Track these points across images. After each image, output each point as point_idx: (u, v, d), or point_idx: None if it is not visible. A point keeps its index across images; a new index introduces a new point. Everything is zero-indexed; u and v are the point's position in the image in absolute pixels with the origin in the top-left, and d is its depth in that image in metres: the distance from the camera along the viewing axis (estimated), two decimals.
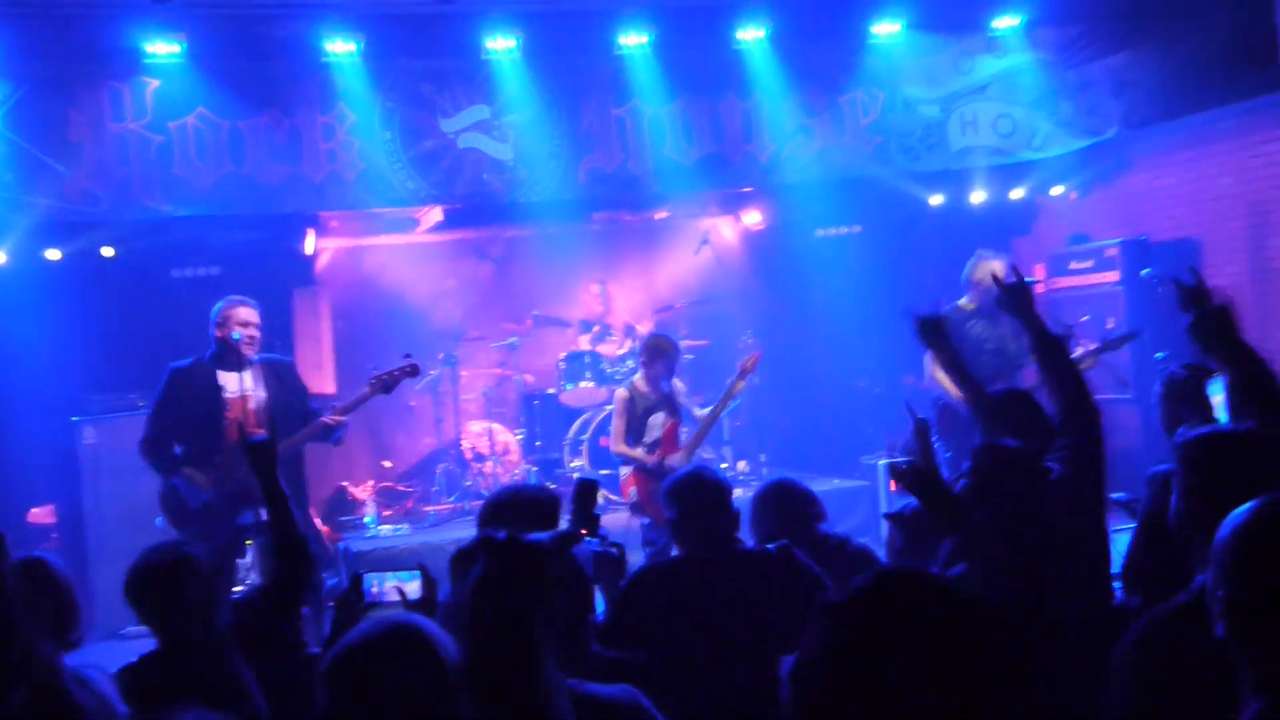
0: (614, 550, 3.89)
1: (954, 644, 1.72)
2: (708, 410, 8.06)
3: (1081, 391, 4.13)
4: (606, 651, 3.48)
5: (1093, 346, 7.86)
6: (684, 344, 10.03)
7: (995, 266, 8.19)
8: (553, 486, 9.94)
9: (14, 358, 9.00)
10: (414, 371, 7.07)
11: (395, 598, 3.89)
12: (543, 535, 2.42)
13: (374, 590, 3.93)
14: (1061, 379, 4.16)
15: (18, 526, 8.62)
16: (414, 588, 3.89)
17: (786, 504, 4.75)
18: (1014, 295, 4.35)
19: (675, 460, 7.61)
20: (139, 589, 3.67)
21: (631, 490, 7.79)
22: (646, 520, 7.54)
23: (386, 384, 6.93)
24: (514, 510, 3.99)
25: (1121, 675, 2.70)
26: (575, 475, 9.65)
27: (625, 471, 7.88)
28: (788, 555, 4.14)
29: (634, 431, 7.86)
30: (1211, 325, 3.89)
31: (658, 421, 7.83)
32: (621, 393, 8.00)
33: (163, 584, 3.63)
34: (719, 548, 4.18)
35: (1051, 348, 4.20)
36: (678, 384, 8.09)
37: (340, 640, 2.61)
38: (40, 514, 9.27)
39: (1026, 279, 4.43)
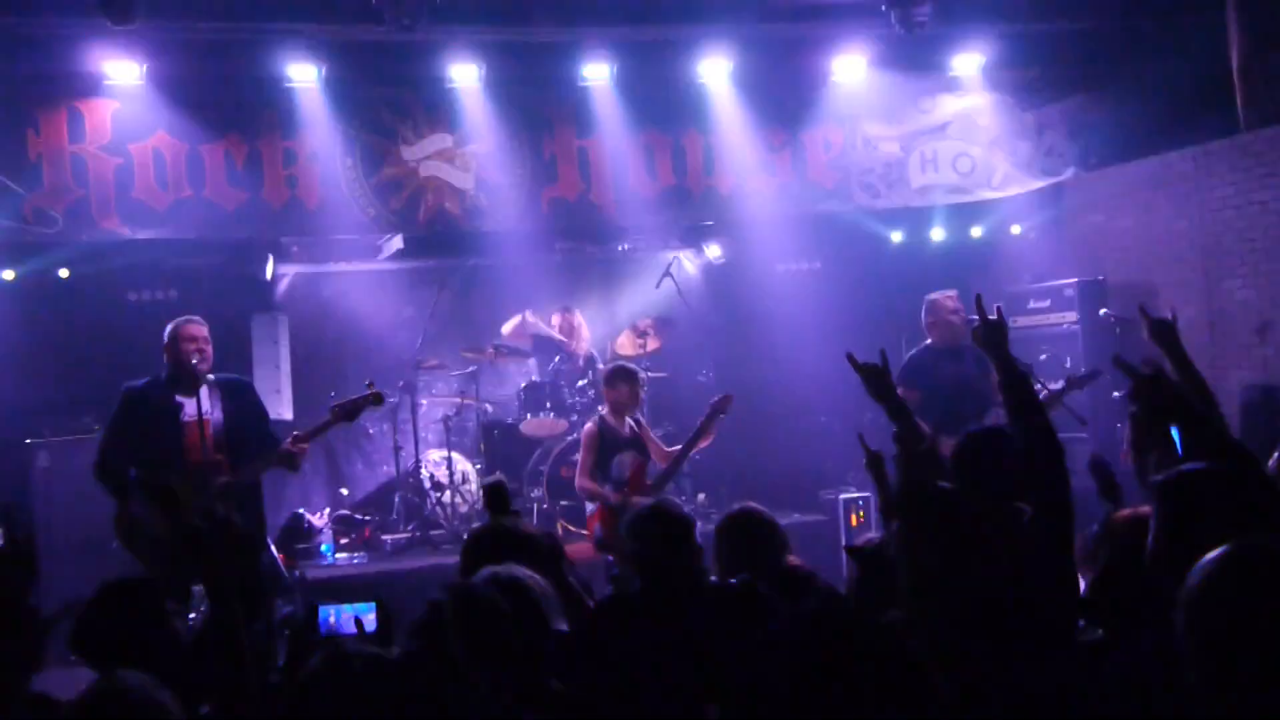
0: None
1: (867, 668, 1.80)
2: (675, 449, 7.95)
3: (1047, 430, 4.13)
4: (562, 687, 3.46)
5: (1057, 386, 7.89)
6: (643, 375, 10.06)
7: (948, 302, 8.27)
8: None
9: None
10: (377, 400, 6.96)
11: (352, 629, 3.83)
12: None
13: (330, 621, 3.86)
14: (1028, 417, 4.14)
15: None
16: (370, 619, 3.84)
17: (753, 534, 4.70)
18: (993, 331, 4.33)
19: (642, 500, 7.52)
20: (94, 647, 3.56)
21: (596, 527, 7.66)
22: (611, 559, 7.37)
23: (349, 412, 6.84)
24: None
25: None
26: (534, 504, 9.64)
27: (590, 508, 7.76)
28: (750, 590, 4.12)
29: (601, 467, 7.72)
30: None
31: (626, 460, 7.72)
32: (590, 427, 7.86)
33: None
34: (680, 583, 4.15)
35: (1019, 386, 4.19)
36: (643, 421, 8.07)
37: (297, 673, 2.58)
38: None
39: (1002, 318, 4.41)
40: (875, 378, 4.50)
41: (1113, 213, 10.41)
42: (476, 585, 3.20)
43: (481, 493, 4.41)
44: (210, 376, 6.78)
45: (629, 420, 7.85)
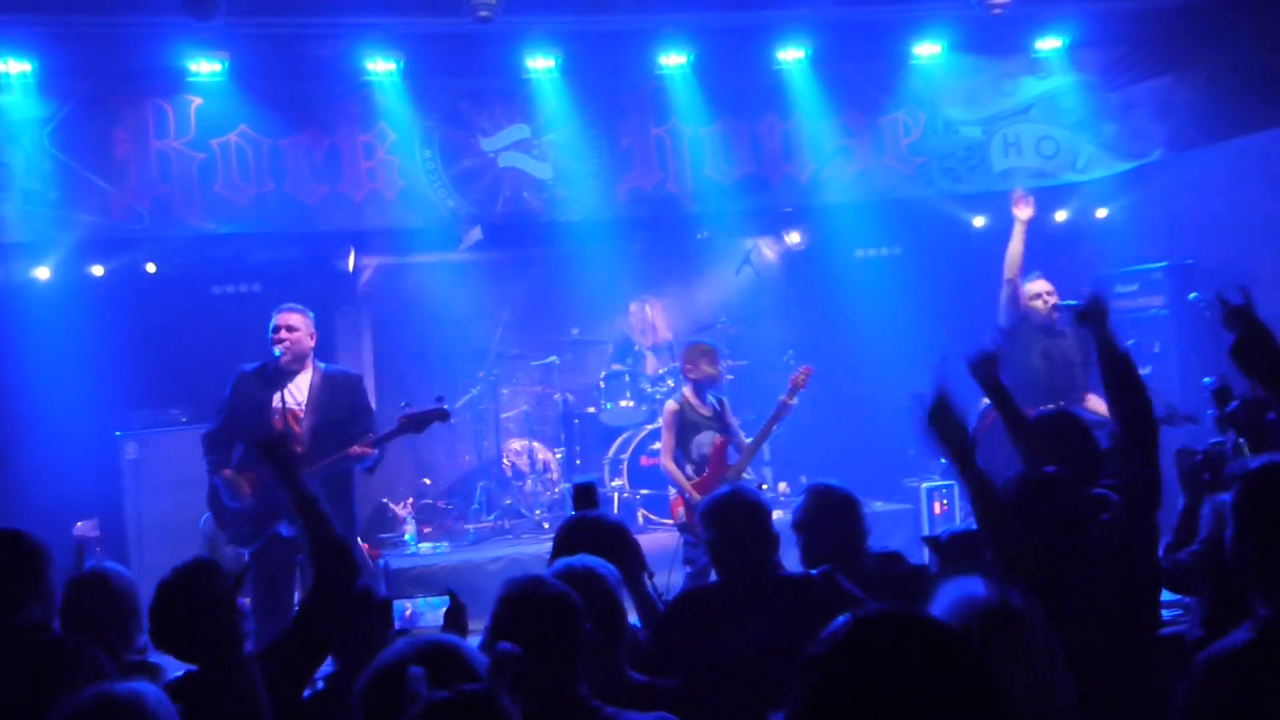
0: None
1: (933, 682, 1.69)
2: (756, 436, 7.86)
3: (1147, 409, 4.02)
4: (640, 677, 3.45)
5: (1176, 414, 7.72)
6: (725, 364, 10.02)
7: (1035, 285, 8.21)
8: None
9: (58, 373, 9.10)
10: (444, 417, 6.85)
11: (428, 621, 3.84)
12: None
13: (406, 614, 3.88)
14: (1131, 398, 4.03)
15: (64, 539, 8.68)
16: (441, 615, 3.85)
17: (841, 513, 4.58)
18: (1094, 310, 4.22)
19: (729, 476, 7.49)
20: (156, 627, 3.61)
21: (680, 511, 7.61)
22: (689, 538, 7.35)
23: (417, 423, 6.80)
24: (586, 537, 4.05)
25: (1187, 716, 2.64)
26: (614, 493, 9.64)
27: (673, 493, 7.72)
28: (831, 582, 4.05)
29: (682, 446, 7.66)
30: (1254, 346, 3.82)
31: (706, 440, 7.64)
32: (671, 405, 7.77)
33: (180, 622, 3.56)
34: (756, 574, 4.10)
35: (1123, 366, 4.07)
36: (724, 401, 8.05)
37: (376, 660, 2.58)
38: (85, 528, 9.33)
39: (1104, 297, 4.30)
40: (982, 362, 4.38)
41: (1202, 195, 10.17)
42: (544, 580, 3.19)
43: (573, 490, 4.43)
44: (321, 366, 6.88)
45: (711, 399, 7.78)
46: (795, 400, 7.81)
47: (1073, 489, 3.89)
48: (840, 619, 1.79)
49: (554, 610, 3.08)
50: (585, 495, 4.58)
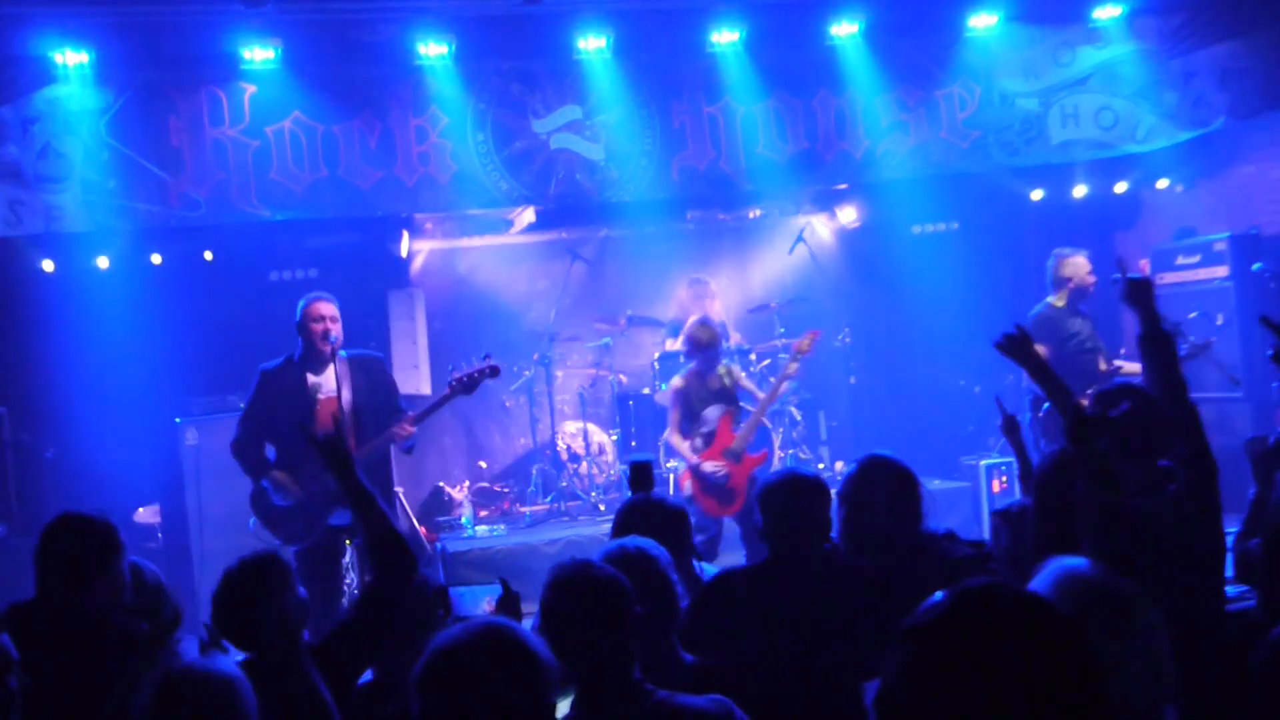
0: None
1: (1037, 660, 1.67)
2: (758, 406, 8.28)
3: (1181, 393, 3.97)
4: (692, 658, 3.42)
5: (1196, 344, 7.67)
6: (780, 342, 9.98)
7: (1086, 262, 8.18)
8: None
9: (118, 360, 9.22)
10: (494, 373, 6.95)
11: (484, 609, 3.85)
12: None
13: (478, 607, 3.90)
14: (1165, 377, 4.00)
15: (125, 526, 8.75)
16: (489, 602, 3.86)
17: (892, 489, 4.26)
18: (1139, 288, 4.16)
19: (734, 446, 7.88)
20: (220, 616, 3.64)
21: (686, 484, 7.97)
22: (701, 510, 7.71)
23: (467, 385, 6.85)
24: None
25: (1263, 689, 2.59)
26: (669, 474, 9.62)
27: (680, 466, 8.12)
28: (880, 575, 3.98)
29: (690, 420, 8.06)
30: None
31: (713, 414, 7.95)
32: (676, 382, 8.20)
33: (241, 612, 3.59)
34: (809, 557, 4.04)
35: (1161, 345, 4.04)
36: (736, 370, 8.34)
37: (432, 645, 2.58)
38: (146, 514, 9.45)
39: (1147, 274, 4.28)
40: (1017, 347, 4.31)
41: (1267, 163, 9.99)
42: (593, 564, 3.18)
43: (630, 469, 4.43)
44: (343, 353, 6.87)
45: (722, 374, 8.16)
46: (797, 366, 8.10)
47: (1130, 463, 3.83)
48: (941, 592, 1.76)
49: (603, 594, 3.07)
50: (642, 474, 4.56)
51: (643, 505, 4.28)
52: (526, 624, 3.03)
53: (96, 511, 3.94)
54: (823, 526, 4.08)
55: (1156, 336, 4.05)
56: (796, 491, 4.08)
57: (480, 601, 3.91)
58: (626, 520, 4.18)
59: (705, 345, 8.09)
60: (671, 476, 9.72)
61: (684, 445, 8.02)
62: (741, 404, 8.31)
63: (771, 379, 8.32)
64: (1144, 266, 10.15)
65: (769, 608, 3.93)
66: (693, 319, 8.32)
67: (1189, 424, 3.90)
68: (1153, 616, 2.39)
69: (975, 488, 9.86)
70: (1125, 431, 4.01)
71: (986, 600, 1.74)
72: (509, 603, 3.77)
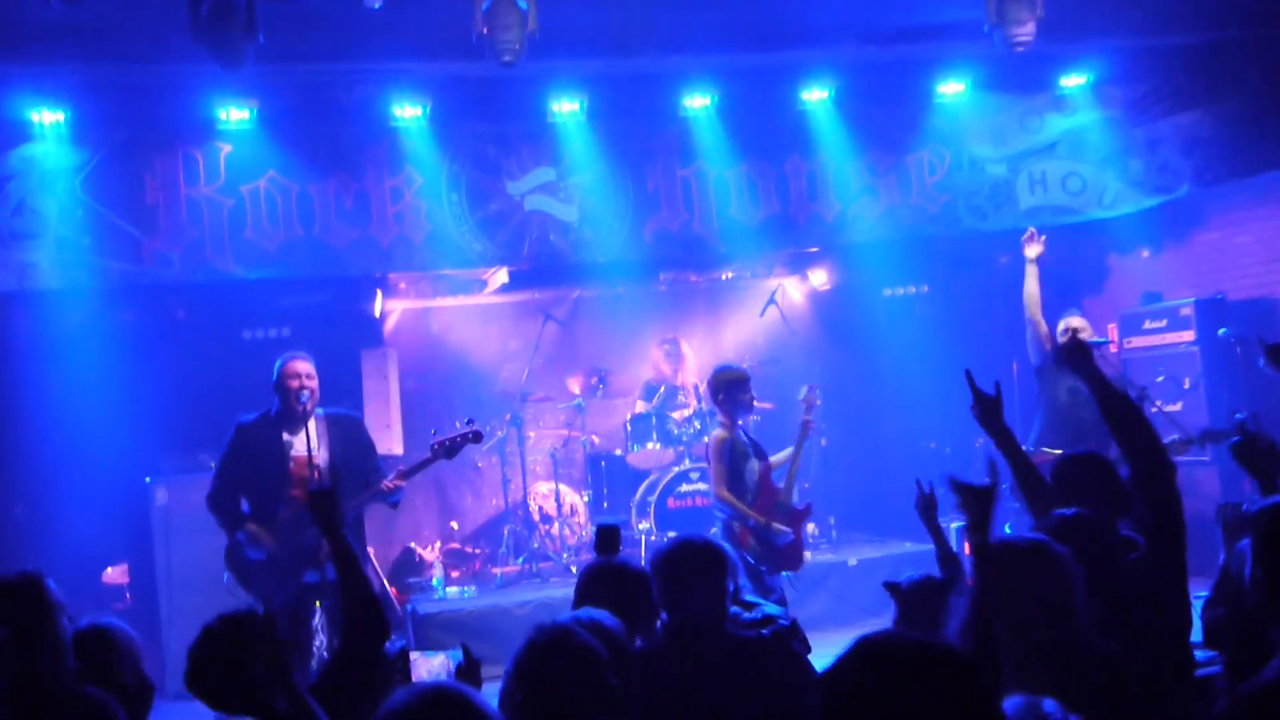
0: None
1: (937, 698, 1.78)
2: (787, 451, 7.79)
3: (1152, 447, 4.01)
4: None
5: (1190, 436, 7.63)
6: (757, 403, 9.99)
7: (1073, 323, 8.17)
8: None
9: (89, 417, 9.15)
10: (476, 438, 7.03)
11: (438, 672, 3.81)
12: None
13: (423, 670, 3.85)
14: (1134, 438, 4.04)
15: (94, 585, 8.71)
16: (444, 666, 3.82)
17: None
18: (1071, 355, 4.23)
19: (782, 500, 7.47)
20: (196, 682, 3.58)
21: (750, 540, 7.34)
22: (764, 568, 7.26)
23: (449, 449, 6.91)
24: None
25: None
26: (641, 536, 9.60)
27: (738, 526, 7.40)
28: (782, 641, 3.96)
29: (735, 476, 7.46)
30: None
31: (754, 468, 7.50)
32: (720, 434, 7.55)
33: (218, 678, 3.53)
34: (703, 631, 3.87)
35: (1118, 406, 4.08)
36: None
37: (381, 710, 2.54)
38: (115, 574, 9.37)
39: (1090, 339, 4.33)
40: (987, 407, 4.36)
41: (1231, 229, 10.13)
42: (572, 630, 3.14)
43: (597, 532, 4.38)
44: (319, 411, 6.87)
45: (743, 418, 7.67)
46: (812, 417, 7.77)
47: (1098, 529, 3.84)
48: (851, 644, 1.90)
49: (580, 661, 3.03)
50: (610, 538, 4.51)
51: (606, 570, 4.20)
52: (491, 689, 2.99)
53: (51, 574, 3.82)
54: (719, 597, 3.94)
55: (1108, 399, 4.09)
56: (686, 559, 3.94)
57: (434, 663, 3.85)
58: (589, 585, 4.11)
59: (732, 384, 7.57)
60: (643, 538, 9.69)
61: (739, 501, 7.40)
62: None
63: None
64: (1111, 332, 10.25)
65: (672, 687, 3.76)
66: (729, 373, 7.82)
67: (1162, 484, 3.91)
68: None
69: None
70: (1080, 497, 4.04)
71: (889, 647, 1.88)
72: (469, 670, 3.71)
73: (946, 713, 1.77)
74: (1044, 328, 8.30)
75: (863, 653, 1.87)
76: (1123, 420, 4.06)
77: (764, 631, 4.04)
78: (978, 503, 3.27)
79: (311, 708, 3.51)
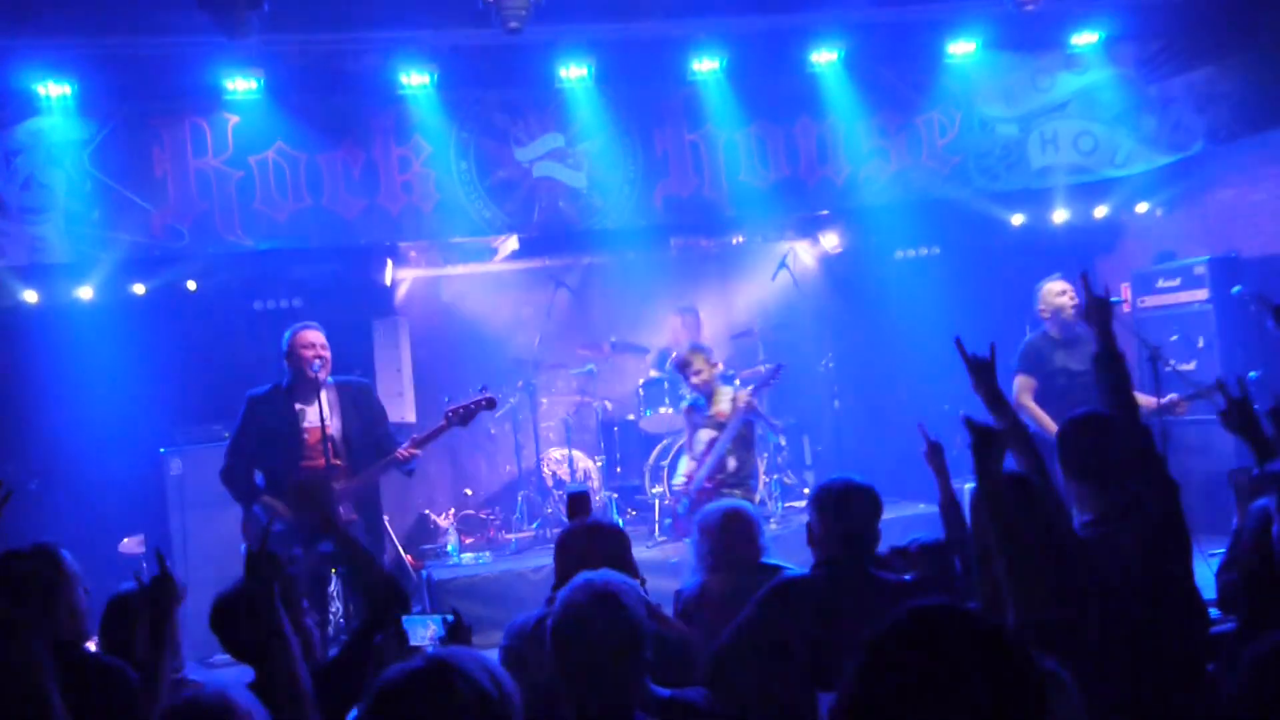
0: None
1: (985, 677, 1.78)
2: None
3: (1132, 412, 4.04)
4: (663, 691, 3.38)
5: (1187, 393, 7.61)
6: (763, 369, 9.99)
7: (1055, 285, 8.17)
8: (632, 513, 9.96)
9: (102, 390, 9.21)
10: (490, 404, 7.08)
11: (426, 638, 3.81)
12: None
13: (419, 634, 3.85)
14: (1117, 397, 4.07)
15: (110, 555, 8.76)
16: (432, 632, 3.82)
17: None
18: (1098, 309, 4.22)
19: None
20: (220, 621, 3.66)
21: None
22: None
23: (463, 417, 6.96)
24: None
25: (1238, 707, 2.61)
26: (655, 500, 9.61)
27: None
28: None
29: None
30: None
31: (701, 438, 8.38)
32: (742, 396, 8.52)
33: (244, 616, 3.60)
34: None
35: (1113, 363, 4.11)
36: (743, 395, 8.40)
37: (380, 675, 2.52)
38: (131, 544, 9.41)
39: (1111, 296, 4.31)
40: (979, 370, 4.37)
41: (1246, 187, 10.07)
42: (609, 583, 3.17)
43: (568, 499, 4.57)
44: (330, 380, 6.90)
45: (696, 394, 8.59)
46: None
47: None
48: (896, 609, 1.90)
49: (619, 615, 3.07)
50: (580, 502, 4.74)
51: (580, 531, 4.32)
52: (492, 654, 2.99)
53: (69, 545, 3.88)
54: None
55: (1108, 355, 4.11)
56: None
57: (421, 629, 3.84)
58: (570, 545, 4.23)
59: (682, 368, 8.64)
60: (656, 502, 9.69)
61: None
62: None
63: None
64: (1124, 291, 10.21)
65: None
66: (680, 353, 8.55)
67: (1141, 448, 3.94)
68: (1074, 703, 2.46)
69: (959, 510, 9.84)
70: (1084, 458, 4.05)
71: (938, 618, 1.87)
72: (457, 632, 3.67)
73: (989, 689, 1.77)
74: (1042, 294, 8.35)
75: (911, 622, 1.87)
76: (1116, 384, 4.09)
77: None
78: (985, 442, 3.64)
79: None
